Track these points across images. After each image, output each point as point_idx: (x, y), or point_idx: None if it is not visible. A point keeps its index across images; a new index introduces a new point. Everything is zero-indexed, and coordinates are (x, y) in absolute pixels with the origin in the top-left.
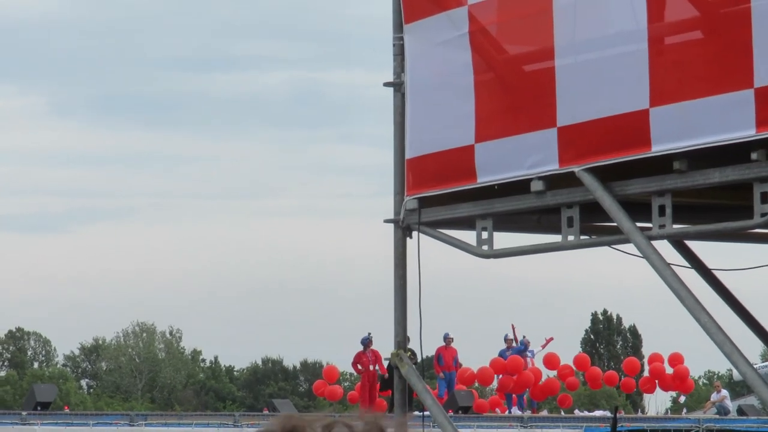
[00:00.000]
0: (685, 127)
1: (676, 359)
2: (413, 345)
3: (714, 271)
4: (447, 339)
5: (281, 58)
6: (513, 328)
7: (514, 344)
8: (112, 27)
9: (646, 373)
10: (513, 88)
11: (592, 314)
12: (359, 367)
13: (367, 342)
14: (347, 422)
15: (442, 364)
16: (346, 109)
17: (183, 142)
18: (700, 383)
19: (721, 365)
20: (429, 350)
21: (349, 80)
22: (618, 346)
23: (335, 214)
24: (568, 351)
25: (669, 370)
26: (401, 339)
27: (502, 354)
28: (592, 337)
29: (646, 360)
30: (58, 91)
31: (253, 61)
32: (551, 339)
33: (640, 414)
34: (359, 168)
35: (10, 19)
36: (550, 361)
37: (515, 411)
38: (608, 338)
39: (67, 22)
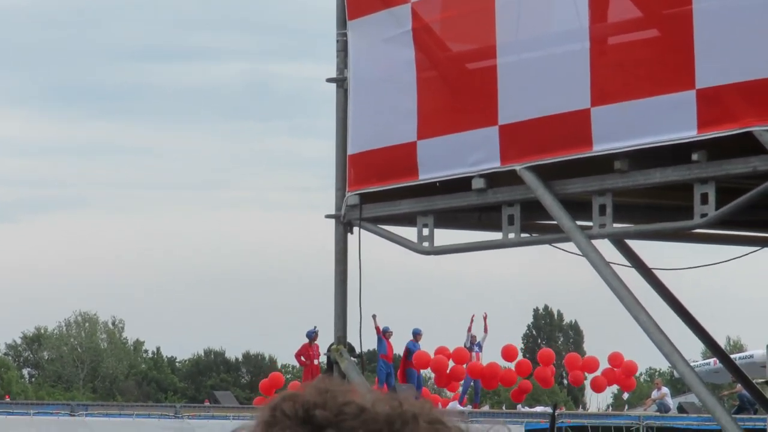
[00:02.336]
0: (627, 127)
1: (616, 359)
2: (353, 339)
3: (654, 271)
4: (387, 333)
5: (234, 50)
6: (485, 319)
7: (420, 337)
8: (66, 17)
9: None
10: (455, 86)
11: (534, 310)
12: (303, 359)
13: (313, 335)
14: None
15: (384, 353)
16: (299, 102)
17: (134, 132)
18: (642, 380)
19: (663, 362)
20: (368, 345)
21: (301, 73)
22: (559, 342)
23: (281, 207)
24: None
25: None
26: (341, 334)
27: (413, 347)
28: (533, 332)
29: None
30: (10, 80)
31: (206, 53)
32: (485, 315)
33: (581, 410)
34: (308, 161)
35: None
36: (508, 353)
37: (455, 406)
38: (550, 334)
39: (21, 11)
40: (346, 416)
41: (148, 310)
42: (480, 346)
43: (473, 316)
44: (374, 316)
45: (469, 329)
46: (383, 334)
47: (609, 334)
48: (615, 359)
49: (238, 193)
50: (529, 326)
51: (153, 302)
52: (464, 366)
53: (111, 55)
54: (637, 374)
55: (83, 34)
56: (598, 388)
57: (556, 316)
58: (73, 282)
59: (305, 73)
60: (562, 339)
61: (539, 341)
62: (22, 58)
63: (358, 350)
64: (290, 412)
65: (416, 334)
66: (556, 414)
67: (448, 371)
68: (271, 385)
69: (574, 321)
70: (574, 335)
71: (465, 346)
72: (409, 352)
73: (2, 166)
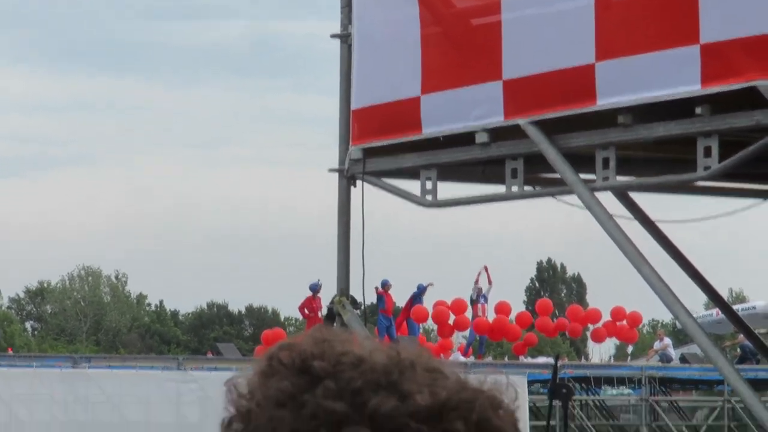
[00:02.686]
0: (631, 81)
1: (619, 313)
2: (356, 293)
3: (657, 223)
4: (386, 286)
5: (237, 8)
6: (486, 270)
7: (425, 293)
8: None
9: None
10: (459, 42)
11: (537, 263)
12: (306, 311)
13: (316, 288)
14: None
15: (383, 307)
16: (302, 59)
17: (139, 90)
18: (644, 332)
19: (666, 314)
20: (370, 299)
21: (304, 30)
22: (563, 294)
23: (284, 164)
24: (513, 298)
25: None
26: (344, 286)
27: (417, 297)
28: (536, 285)
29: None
30: (14, 37)
31: (209, 11)
32: (485, 267)
33: (584, 361)
34: (312, 118)
35: None
36: (502, 310)
37: (458, 357)
38: (553, 286)
39: None
40: (344, 366)
41: (152, 265)
42: (486, 298)
43: (485, 267)
44: (377, 288)
45: (477, 281)
46: (382, 289)
47: (612, 286)
48: (617, 313)
49: (240, 150)
50: (532, 279)
51: (156, 257)
52: (469, 318)
53: (114, 12)
54: (640, 326)
55: None
56: (597, 338)
57: (559, 268)
58: (76, 236)
59: (308, 30)
60: (565, 291)
61: (542, 293)
62: (25, 15)
63: (360, 303)
64: (287, 362)
65: (421, 289)
66: (558, 365)
67: (451, 323)
68: (273, 338)
69: (577, 274)
70: (576, 288)
71: (471, 297)
72: (414, 299)
73: (5, 123)
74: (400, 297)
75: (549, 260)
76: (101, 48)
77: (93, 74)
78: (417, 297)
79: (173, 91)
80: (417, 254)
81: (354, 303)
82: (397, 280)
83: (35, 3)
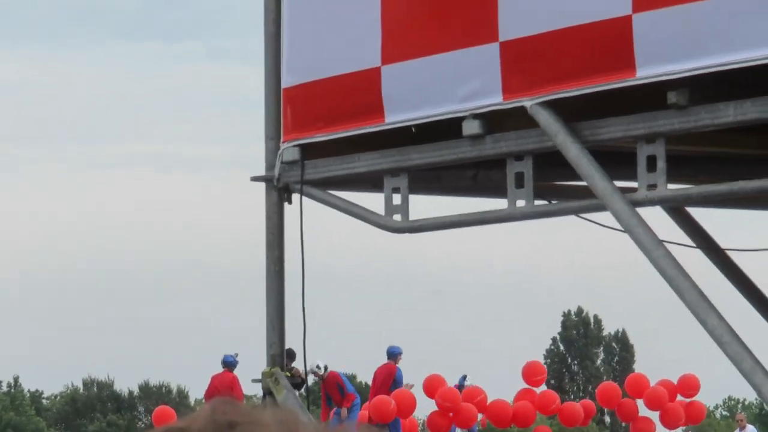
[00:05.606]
0: (687, 41)
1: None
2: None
3: (728, 252)
4: (318, 373)
5: None
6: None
7: (399, 359)
8: None
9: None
10: None
11: (564, 314)
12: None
13: (232, 363)
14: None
15: (328, 404)
16: (217, 18)
17: None
18: (717, 415)
19: (747, 389)
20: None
21: None
22: (599, 362)
23: (192, 167)
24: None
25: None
26: (276, 351)
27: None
28: (561, 348)
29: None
30: None
31: None
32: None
33: None
34: (230, 99)
35: None
36: (533, 374)
37: None
38: (585, 350)
39: None
40: None
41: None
42: (465, 381)
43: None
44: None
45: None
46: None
47: (671, 347)
48: (687, 384)
49: (132, 147)
50: (555, 339)
51: (5, 313)
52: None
53: None
54: (713, 407)
55: None
56: (669, 421)
57: (592, 323)
58: None
59: None
60: (603, 356)
61: (569, 360)
62: None
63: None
64: None
65: (394, 355)
66: None
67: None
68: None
69: (621, 330)
70: (620, 350)
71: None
72: (390, 380)
73: None
74: (359, 371)
75: (579, 311)
76: None
77: None
78: (398, 379)
79: (43, 63)
80: (380, 298)
81: (293, 376)
82: (353, 336)
83: None
